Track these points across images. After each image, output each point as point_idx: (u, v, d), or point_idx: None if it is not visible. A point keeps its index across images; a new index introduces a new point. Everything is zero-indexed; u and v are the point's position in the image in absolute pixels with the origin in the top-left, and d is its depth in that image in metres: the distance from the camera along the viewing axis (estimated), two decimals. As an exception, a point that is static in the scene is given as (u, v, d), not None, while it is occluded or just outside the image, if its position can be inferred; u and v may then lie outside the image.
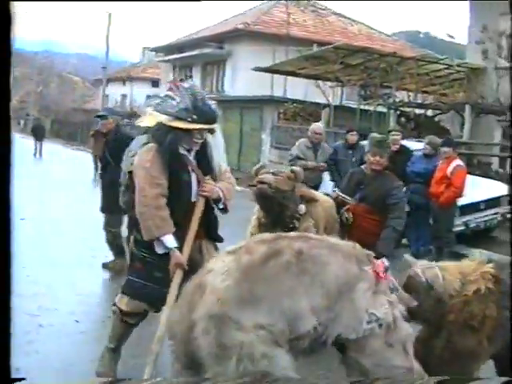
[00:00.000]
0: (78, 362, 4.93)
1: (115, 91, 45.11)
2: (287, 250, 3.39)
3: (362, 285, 3.44)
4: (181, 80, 5.06)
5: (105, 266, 8.18)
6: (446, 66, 19.40)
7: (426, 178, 9.63)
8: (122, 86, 45.96)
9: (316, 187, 9.62)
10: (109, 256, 8.26)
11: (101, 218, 8.17)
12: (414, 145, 11.54)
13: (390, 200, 5.91)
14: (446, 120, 19.28)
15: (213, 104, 4.50)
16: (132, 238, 4.70)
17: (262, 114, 23.86)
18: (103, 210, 8.21)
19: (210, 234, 4.66)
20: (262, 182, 5.52)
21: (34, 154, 28.13)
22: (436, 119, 19.54)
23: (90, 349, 5.12)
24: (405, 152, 10.34)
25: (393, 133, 10.50)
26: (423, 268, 3.89)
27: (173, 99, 4.36)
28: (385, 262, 3.62)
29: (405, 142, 11.20)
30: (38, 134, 29.53)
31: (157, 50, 39.90)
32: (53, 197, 13.21)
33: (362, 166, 6.55)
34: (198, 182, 4.52)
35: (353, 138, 10.49)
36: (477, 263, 3.97)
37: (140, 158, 4.45)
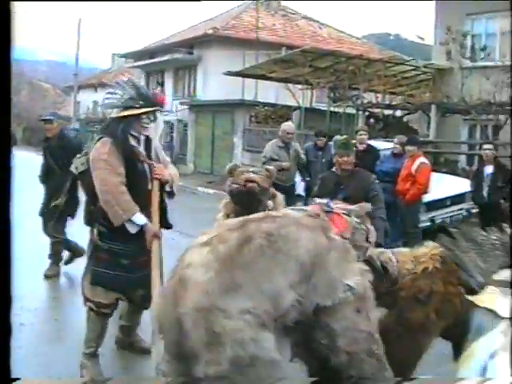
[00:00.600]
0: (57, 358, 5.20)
1: (87, 98, 44.96)
2: (257, 234, 3.52)
3: (333, 254, 3.63)
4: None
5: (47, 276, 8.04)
6: (412, 68, 19.83)
7: (394, 176, 9.90)
8: (93, 92, 45.80)
9: (291, 187, 9.88)
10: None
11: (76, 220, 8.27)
12: (382, 144, 11.84)
13: (371, 193, 6.26)
14: (414, 120, 19.71)
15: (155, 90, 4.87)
16: (95, 231, 4.88)
17: (234, 117, 24.16)
18: (42, 214, 8.19)
19: (161, 222, 4.93)
20: (250, 181, 5.67)
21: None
22: (405, 119, 19.96)
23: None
24: (372, 151, 10.63)
25: (360, 133, 10.78)
26: (378, 253, 4.17)
27: (116, 94, 4.77)
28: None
29: (372, 142, 11.51)
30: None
31: (127, 56, 39.92)
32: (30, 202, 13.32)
33: (333, 169, 6.93)
34: (151, 171, 4.85)
35: (321, 142, 10.80)
36: (429, 248, 4.27)
37: (96, 151, 4.73)
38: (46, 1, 59.24)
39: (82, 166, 4.86)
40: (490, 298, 2.69)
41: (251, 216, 3.84)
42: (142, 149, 4.90)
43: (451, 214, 11.44)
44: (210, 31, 29.35)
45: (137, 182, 4.76)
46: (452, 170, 14.36)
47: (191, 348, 3.40)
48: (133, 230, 4.68)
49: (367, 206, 4.34)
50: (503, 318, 2.54)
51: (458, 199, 11.58)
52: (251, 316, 3.33)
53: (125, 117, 4.74)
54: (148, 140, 4.96)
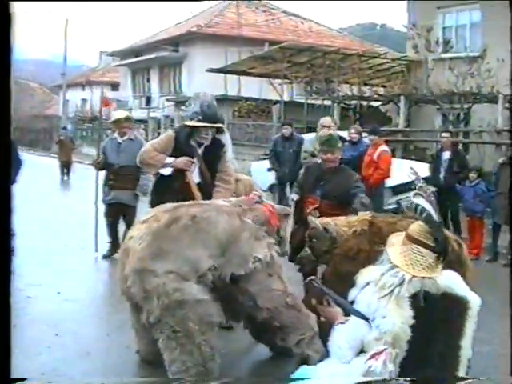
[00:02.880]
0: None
1: (75, 96, 45.37)
2: (185, 216, 4.64)
3: (245, 234, 4.73)
4: None
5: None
6: (386, 60, 20.69)
7: (355, 163, 10.73)
8: (81, 90, 46.17)
9: None
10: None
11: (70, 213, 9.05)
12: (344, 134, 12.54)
13: (351, 192, 6.12)
14: (391, 110, 20.51)
15: (218, 110, 6.17)
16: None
17: (218, 112, 24.81)
18: None
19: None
20: None
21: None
22: (383, 110, 20.78)
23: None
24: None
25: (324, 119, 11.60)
26: (319, 221, 5.18)
27: (191, 106, 6.05)
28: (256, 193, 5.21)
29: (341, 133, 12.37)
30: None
31: (114, 54, 40.52)
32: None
33: (319, 161, 6.94)
34: (200, 169, 6.07)
35: (286, 131, 11.60)
36: (360, 215, 5.26)
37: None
38: (44, 1, 59.24)
39: None
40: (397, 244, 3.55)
41: (184, 202, 5.02)
42: (200, 150, 6.09)
43: (415, 197, 12.32)
44: (194, 29, 30.06)
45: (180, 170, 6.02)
46: (421, 156, 15.19)
47: (136, 301, 4.58)
48: (166, 172, 6.04)
49: (288, 211, 5.68)
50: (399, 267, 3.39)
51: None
52: (174, 275, 4.42)
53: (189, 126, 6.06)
54: (211, 149, 6.12)
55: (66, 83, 41.45)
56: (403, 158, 14.97)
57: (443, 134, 11.40)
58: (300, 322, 4.84)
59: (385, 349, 3.18)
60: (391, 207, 12.11)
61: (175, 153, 6.06)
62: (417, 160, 14.39)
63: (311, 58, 20.83)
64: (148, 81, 35.53)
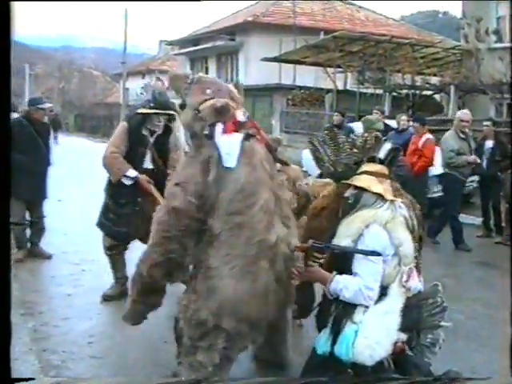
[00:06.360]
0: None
1: (135, 84, 46.22)
2: None
3: None
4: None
5: None
6: (440, 49, 20.70)
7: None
8: (141, 79, 46.93)
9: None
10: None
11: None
12: (394, 123, 12.80)
13: None
14: (444, 99, 20.54)
15: (170, 98, 6.17)
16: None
17: (272, 101, 25.27)
18: None
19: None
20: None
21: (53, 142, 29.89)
22: (438, 99, 20.84)
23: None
24: (387, 130, 11.75)
25: (374, 112, 11.96)
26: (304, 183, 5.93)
27: (143, 94, 6.44)
28: None
29: (388, 121, 12.64)
30: (55, 125, 31.60)
31: (172, 43, 41.21)
32: (82, 180, 14.87)
33: None
34: (153, 157, 6.25)
35: (337, 118, 11.92)
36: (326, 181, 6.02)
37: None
38: (46, 1, 59.91)
39: None
40: (364, 179, 3.88)
41: None
42: (152, 139, 6.23)
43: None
44: (250, 18, 30.41)
45: (134, 160, 6.19)
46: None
47: None
48: (128, 182, 6.12)
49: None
50: (374, 193, 3.77)
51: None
52: None
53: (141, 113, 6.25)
54: (163, 137, 6.29)
55: (126, 71, 42.28)
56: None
57: (485, 123, 11.53)
58: None
59: (409, 268, 3.67)
60: (436, 195, 12.32)
61: (129, 142, 6.17)
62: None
63: (364, 47, 21.00)
64: (206, 69, 36.06)
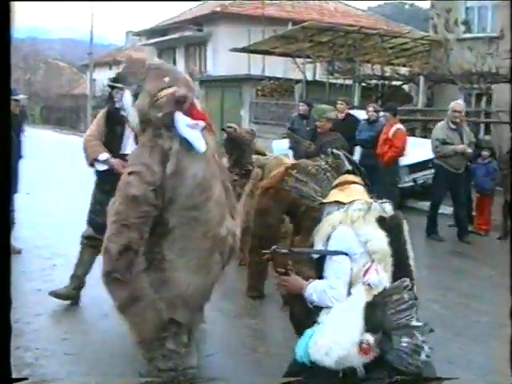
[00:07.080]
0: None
1: (102, 75, 45.59)
2: None
3: None
4: None
5: None
6: (410, 40, 20.80)
7: (373, 143, 11.04)
8: (108, 70, 46.36)
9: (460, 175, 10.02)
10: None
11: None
12: (361, 114, 12.79)
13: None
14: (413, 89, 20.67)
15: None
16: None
17: (241, 91, 25.16)
18: None
19: None
20: (229, 127, 8.14)
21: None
22: (407, 89, 20.97)
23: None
24: (351, 120, 11.79)
25: (338, 103, 11.94)
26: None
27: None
28: None
29: (353, 112, 12.69)
30: (22, 117, 31.15)
31: (140, 33, 40.85)
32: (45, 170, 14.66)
33: None
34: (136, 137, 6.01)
35: (303, 108, 11.87)
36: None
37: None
38: (46, 1, 59.12)
39: None
40: (333, 194, 3.85)
41: None
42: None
43: (431, 176, 12.57)
44: (218, 8, 30.21)
45: (112, 142, 5.98)
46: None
47: None
48: (100, 167, 5.91)
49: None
50: (345, 204, 3.68)
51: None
52: None
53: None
54: None
55: (93, 63, 41.80)
56: (424, 137, 15.20)
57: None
58: None
59: (371, 262, 3.49)
60: (407, 185, 12.42)
61: (108, 124, 6.01)
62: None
63: (333, 37, 21.00)
64: (174, 60, 35.82)
